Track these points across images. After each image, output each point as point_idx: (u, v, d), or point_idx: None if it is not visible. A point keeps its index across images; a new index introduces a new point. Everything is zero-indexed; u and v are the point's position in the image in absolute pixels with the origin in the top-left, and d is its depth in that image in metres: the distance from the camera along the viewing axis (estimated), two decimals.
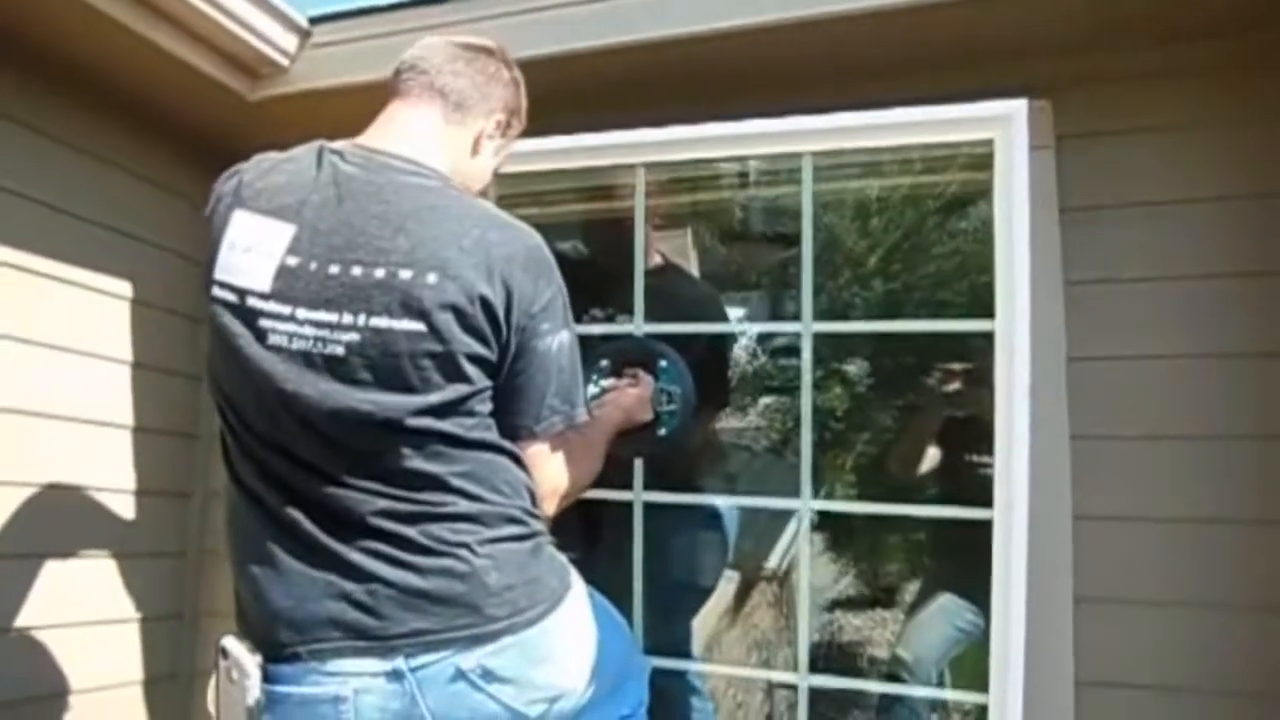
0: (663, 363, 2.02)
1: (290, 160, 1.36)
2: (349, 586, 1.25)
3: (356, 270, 1.26)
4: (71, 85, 2.25)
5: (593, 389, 1.99)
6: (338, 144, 1.39)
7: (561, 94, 1.86)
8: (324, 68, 2.30)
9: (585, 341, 1.94)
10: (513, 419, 1.37)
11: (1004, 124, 1.90)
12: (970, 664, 2.64)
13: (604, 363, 2.02)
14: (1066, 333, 2.00)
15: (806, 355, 2.05)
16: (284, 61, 2.30)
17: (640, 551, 2.11)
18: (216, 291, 1.30)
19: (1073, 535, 1.95)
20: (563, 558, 1.44)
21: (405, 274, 1.25)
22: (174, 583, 2.56)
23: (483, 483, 1.31)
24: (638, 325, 2.13)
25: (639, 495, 2.14)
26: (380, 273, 1.25)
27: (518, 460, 1.38)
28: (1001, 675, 1.87)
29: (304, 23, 2.29)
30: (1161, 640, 1.91)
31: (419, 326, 1.24)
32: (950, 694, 2.96)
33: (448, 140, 1.45)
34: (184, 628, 2.58)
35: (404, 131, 1.42)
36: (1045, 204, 2.02)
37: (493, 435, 1.35)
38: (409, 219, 1.29)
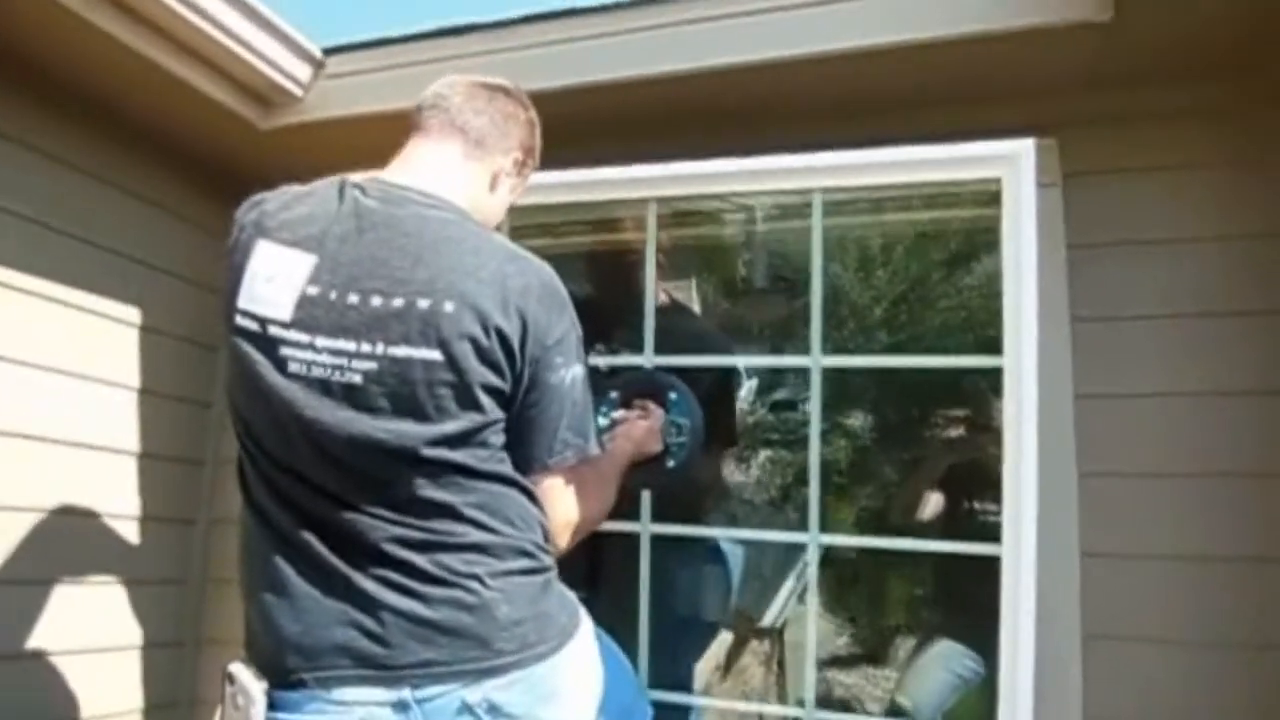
0: (672, 395, 2.03)
1: (312, 193, 1.38)
2: (359, 615, 1.25)
3: (376, 300, 1.27)
4: (84, 111, 2.27)
5: (602, 421, 1.99)
6: (358, 177, 1.40)
7: (572, 126, 1.89)
8: (337, 98, 2.32)
9: (594, 374, 1.93)
10: (526, 451, 1.37)
11: (1011, 163, 1.93)
12: (967, 713, 2.63)
13: (613, 395, 2.02)
14: (1073, 369, 2.01)
15: (816, 388, 2.07)
16: (297, 91, 2.32)
17: (647, 582, 2.12)
18: (239, 321, 1.31)
19: (1080, 572, 1.94)
20: (572, 595, 1.43)
21: (423, 303, 1.27)
22: (177, 610, 2.55)
23: (495, 514, 1.32)
24: (647, 358, 2.14)
25: (646, 527, 2.15)
26: (399, 302, 1.27)
27: (530, 495, 1.38)
28: (1010, 711, 1.86)
29: (318, 53, 2.32)
30: (1165, 677, 1.91)
31: (436, 355, 1.26)
32: None
33: (467, 176, 1.48)
34: (186, 656, 2.57)
35: (425, 167, 1.44)
36: (1052, 241, 2.05)
37: (506, 468, 1.35)
38: (427, 250, 1.31)
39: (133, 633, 2.42)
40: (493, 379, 1.29)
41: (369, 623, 1.25)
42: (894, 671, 3.09)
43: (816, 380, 2.07)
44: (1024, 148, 1.91)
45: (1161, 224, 2.05)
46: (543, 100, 1.65)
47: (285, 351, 1.28)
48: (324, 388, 1.27)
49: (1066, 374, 2.01)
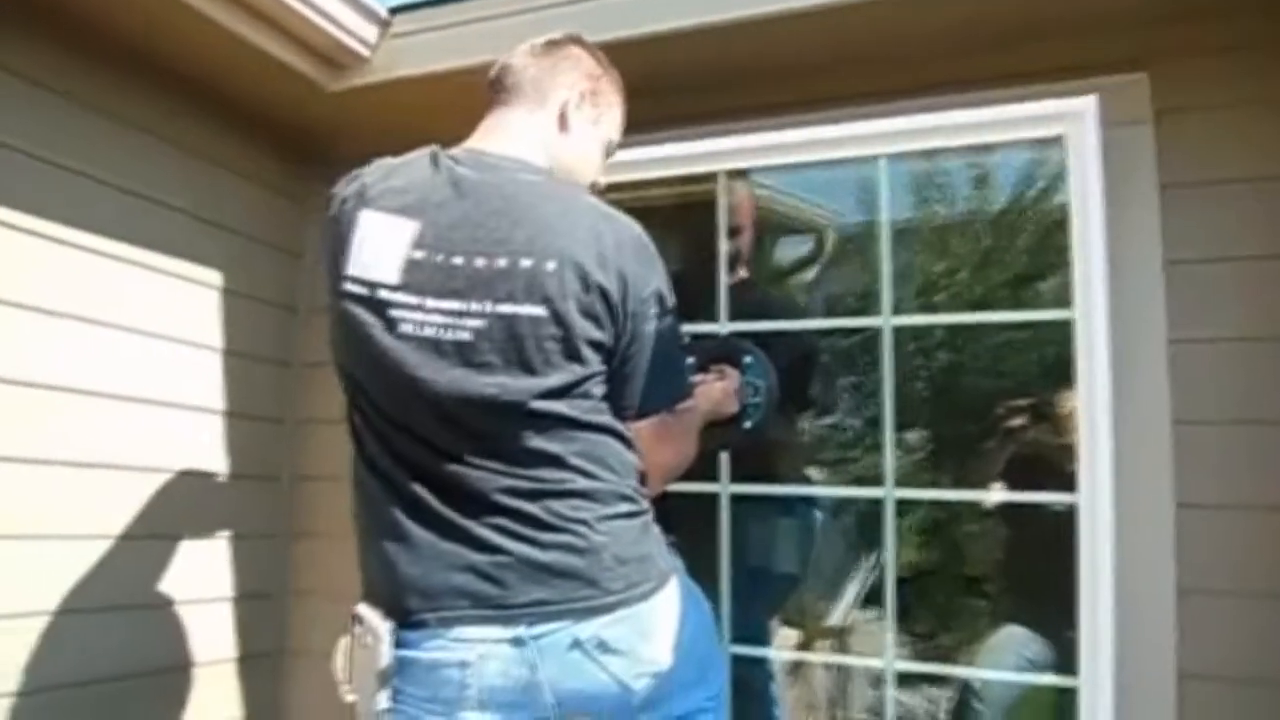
0: (747, 359, 2.10)
1: (408, 164, 1.47)
2: (476, 558, 1.33)
3: (480, 261, 1.36)
4: (155, 76, 2.32)
5: None
6: (449, 150, 1.49)
7: (636, 80, 1.87)
8: (404, 57, 2.33)
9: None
10: (623, 399, 1.45)
11: (1075, 120, 1.94)
12: (1036, 699, 2.62)
13: (690, 360, 2.08)
14: (1167, 314, 1.93)
15: (888, 347, 2.13)
16: (364, 52, 2.33)
17: (727, 541, 2.18)
18: (347, 286, 1.39)
19: (1175, 524, 1.88)
20: (664, 539, 1.49)
21: (526, 262, 1.35)
22: (265, 563, 2.63)
23: (598, 462, 1.39)
24: (722, 324, 2.24)
25: (725, 488, 2.21)
26: (503, 262, 1.35)
27: (628, 442, 1.45)
28: (1092, 659, 1.85)
29: (384, 13, 2.33)
30: (1265, 632, 1.84)
31: (541, 311, 1.34)
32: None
33: (536, 129, 1.54)
34: (275, 607, 2.67)
35: (502, 133, 1.52)
36: (1142, 182, 1.98)
37: (607, 418, 1.42)
38: (524, 211, 1.39)
39: (225, 585, 2.53)
40: (595, 333, 1.37)
41: (485, 565, 1.33)
42: (953, 690, 3.12)
43: (888, 339, 2.12)
44: (1086, 105, 1.93)
45: (1262, 160, 1.94)
46: (608, 52, 1.66)
47: (395, 313, 1.36)
48: (435, 347, 1.35)
49: (1159, 319, 1.94)
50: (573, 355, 1.36)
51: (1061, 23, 1.96)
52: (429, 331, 1.35)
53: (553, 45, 1.60)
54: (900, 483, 2.13)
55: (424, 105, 2.26)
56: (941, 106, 2.12)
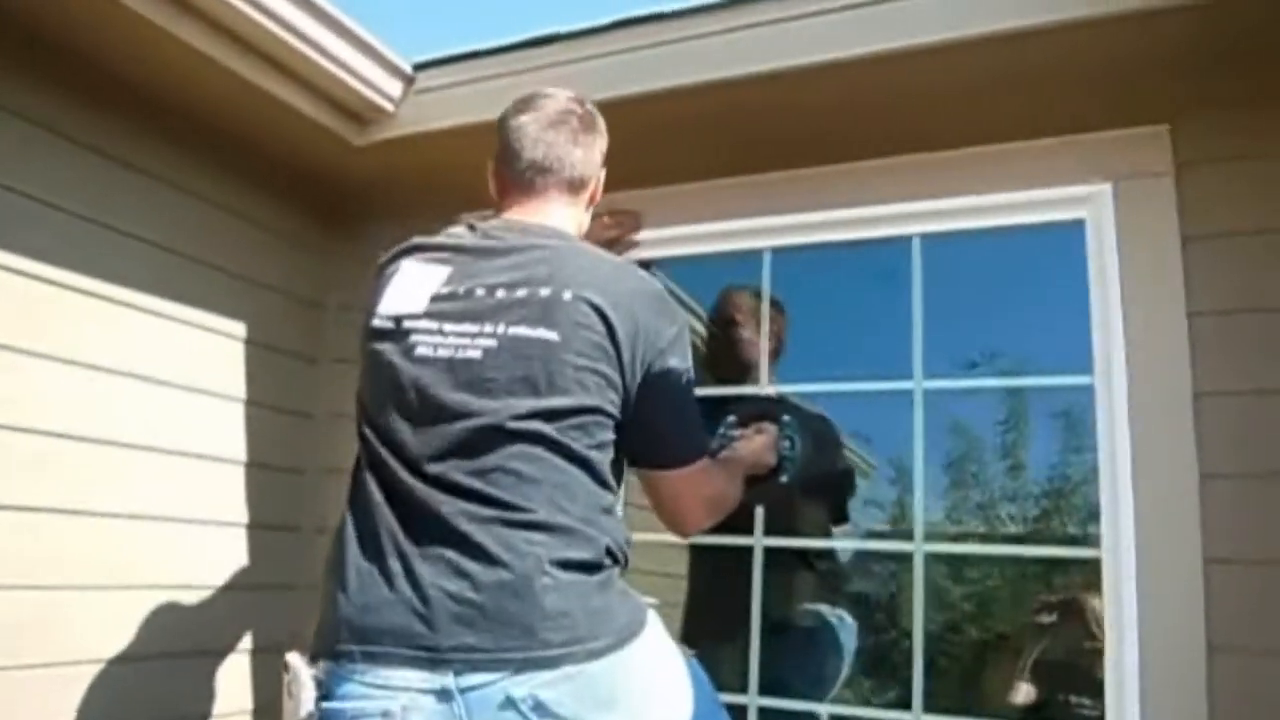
0: (785, 417, 2.22)
1: (445, 229, 1.63)
2: (410, 593, 1.31)
3: (501, 292, 1.45)
4: (180, 130, 2.39)
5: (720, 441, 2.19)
6: (488, 220, 1.63)
7: (652, 133, 1.93)
8: (428, 112, 2.40)
9: (714, 401, 2.27)
10: (645, 452, 1.51)
11: (1092, 203, 2.10)
12: None
13: (731, 418, 2.23)
14: (1192, 367, 1.95)
15: (918, 412, 2.23)
16: (389, 107, 2.40)
17: (760, 595, 2.30)
18: (375, 323, 1.49)
19: (1204, 579, 1.87)
20: (641, 600, 1.45)
21: (544, 291, 1.44)
22: (283, 616, 2.65)
23: (573, 499, 1.38)
24: (762, 387, 2.42)
25: (759, 540, 2.33)
26: (522, 292, 1.44)
27: (609, 489, 1.46)
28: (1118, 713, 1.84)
29: (408, 68, 2.40)
30: None
31: (553, 335, 1.40)
32: None
33: (574, 211, 1.69)
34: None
35: (537, 212, 1.63)
36: (1164, 234, 2.02)
37: (601, 464, 1.44)
38: (549, 254, 1.50)
39: (241, 637, 2.55)
40: (604, 367, 1.42)
41: (418, 601, 1.30)
42: None
43: (919, 404, 2.22)
44: (1102, 192, 2.08)
45: None
46: (630, 104, 1.72)
47: (415, 339, 1.45)
48: (449, 366, 1.42)
49: (1184, 372, 1.96)
50: (579, 383, 1.40)
51: (1082, 75, 2.00)
52: (443, 353, 1.42)
53: (576, 122, 1.67)
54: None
55: (448, 159, 2.32)
56: (963, 161, 2.22)
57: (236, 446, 2.56)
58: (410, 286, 1.49)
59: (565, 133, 1.65)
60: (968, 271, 2.52)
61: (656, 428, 1.49)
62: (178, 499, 2.38)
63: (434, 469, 1.38)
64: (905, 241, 2.31)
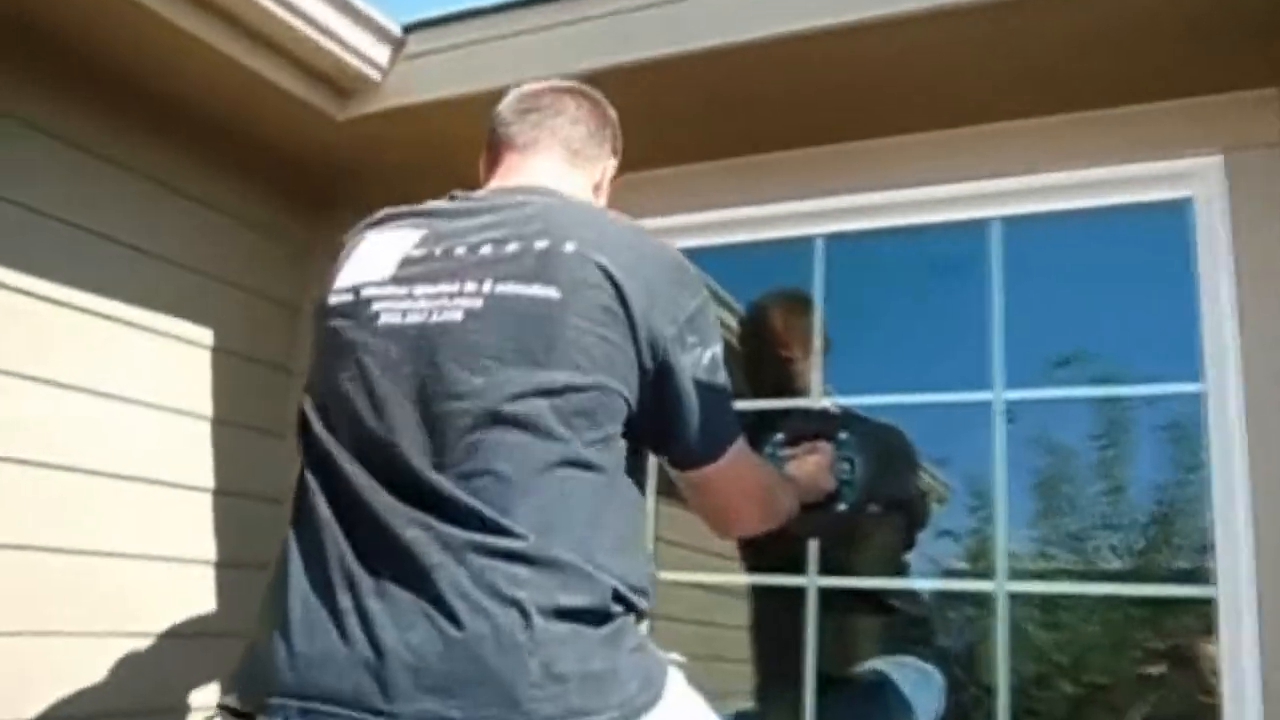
0: (843, 434, 2.15)
1: (419, 203, 1.57)
2: (361, 642, 1.21)
3: (486, 249, 1.37)
4: (137, 106, 2.41)
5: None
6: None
7: (677, 103, 1.90)
8: (420, 80, 2.41)
9: (758, 416, 2.25)
10: (666, 444, 1.46)
11: (1201, 179, 2.08)
12: None
13: (779, 436, 2.18)
14: None
15: (999, 426, 2.23)
16: (375, 75, 2.41)
17: (814, 645, 2.26)
18: (331, 300, 1.42)
19: None
20: (661, 656, 1.37)
21: (541, 243, 1.35)
22: None
23: (571, 520, 1.28)
24: (815, 398, 2.36)
25: (813, 580, 2.30)
26: (513, 246, 1.36)
27: (631, 508, 1.39)
28: None
29: (397, 31, 2.42)
30: None
31: (551, 293, 1.31)
32: None
33: (573, 184, 1.61)
34: None
35: (527, 174, 1.58)
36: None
37: (609, 468, 1.34)
38: (542, 209, 1.43)
39: (207, 685, 2.55)
40: (613, 334, 1.32)
41: (372, 655, 1.20)
42: None
43: (1000, 417, 2.22)
44: (1211, 165, 2.07)
45: None
46: (642, 71, 1.70)
47: (378, 307, 1.36)
48: (420, 333, 1.32)
49: None
50: (585, 351, 1.30)
51: (1184, 27, 1.97)
52: (414, 318, 1.33)
53: (583, 100, 1.67)
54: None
55: (443, 135, 2.33)
56: (1049, 131, 2.22)
57: (202, 471, 2.58)
58: (374, 254, 1.43)
59: (555, 103, 1.65)
60: (1055, 261, 2.50)
61: (682, 416, 1.40)
62: (134, 532, 2.39)
63: (400, 474, 1.28)
64: (982, 226, 2.30)
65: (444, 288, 1.34)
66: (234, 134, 2.58)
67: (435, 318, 1.32)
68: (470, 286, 1.33)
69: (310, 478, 1.36)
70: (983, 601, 2.38)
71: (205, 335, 2.60)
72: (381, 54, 2.41)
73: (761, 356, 2.62)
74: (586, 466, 1.30)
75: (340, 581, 1.26)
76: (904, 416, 2.48)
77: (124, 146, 2.41)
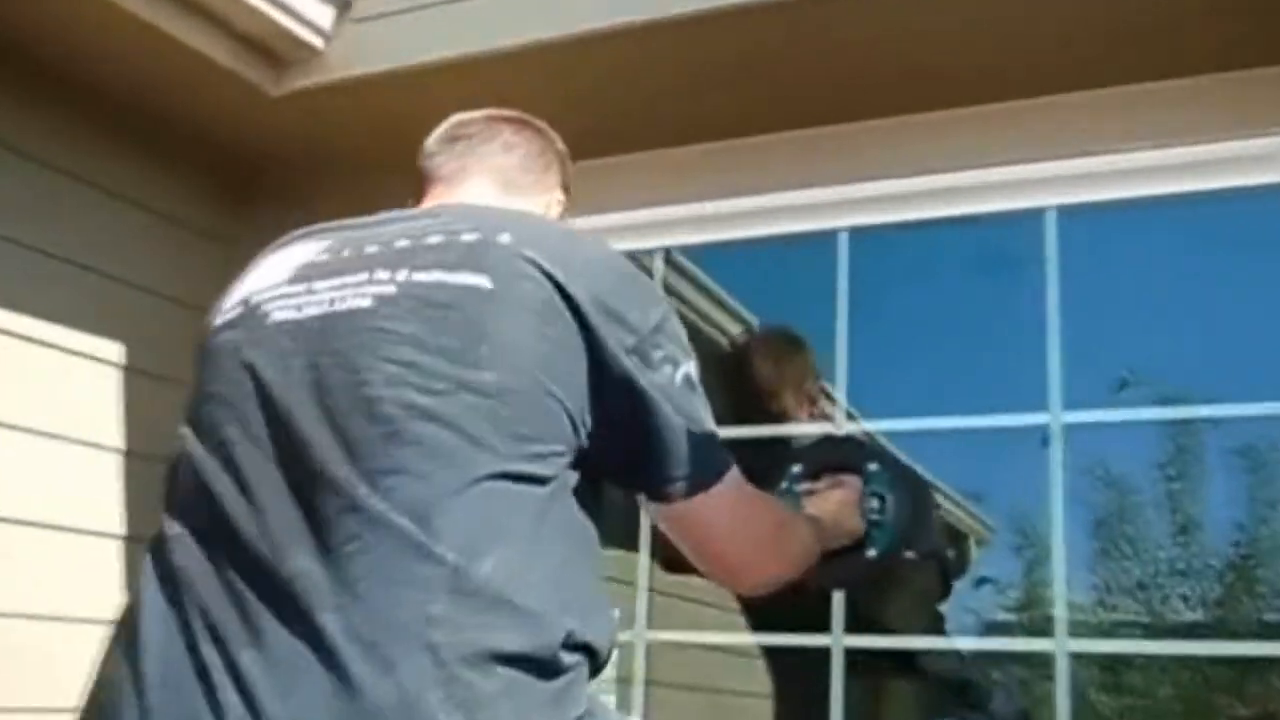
0: (872, 466, 2.09)
1: None
2: (237, 710, 1.11)
3: (402, 242, 1.35)
4: (44, 87, 2.36)
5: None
6: None
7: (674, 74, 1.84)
8: (369, 48, 2.36)
9: (771, 444, 2.25)
10: (655, 469, 1.37)
11: None
12: None
13: (796, 468, 2.12)
14: None
15: (1057, 461, 2.18)
16: (317, 42, 2.36)
17: (841, 708, 2.22)
18: (215, 321, 1.40)
19: None
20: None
21: (470, 236, 1.32)
22: None
23: (508, 543, 1.19)
24: (840, 423, 2.33)
25: (838, 640, 2.26)
26: (436, 238, 1.33)
27: (585, 545, 1.31)
28: None
29: None
30: None
31: (481, 281, 1.27)
32: None
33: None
34: None
35: (455, 195, 1.57)
36: None
37: (550, 482, 1.24)
38: (473, 210, 1.46)
39: None
40: (552, 331, 1.26)
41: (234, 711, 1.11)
42: None
43: (1057, 443, 2.18)
44: None
45: None
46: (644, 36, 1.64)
47: (270, 307, 1.33)
48: (321, 324, 1.28)
49: None
50: (519, 349, 1.23)
51: None
52: (313, 310, 1.29)
53: (521, 127, 1.67)
54: None
55: (396, 114, 2.25)
56: (1114, 104, 2.15)
57: (110, 514, 2.50)
58: (269, 268, 1.41)
59: (485, 130, 1.64)
60: (1119, 259, 2.44)
61: (657, 438, 1.34)
62: (28, 589, 2.32)
63: (282, 487, 1.21)
64: (1035, 217, 2.25)
65: (350, 279, 1.31)
66: (151, 115, 2.53)
67: (338, 306, 1.29)
68: (382, 274, 1.30)
69: (174, 503, 1.30)
70: (1035, 661, 2.33)
71: (116, 351, 2.53)
72: (324, 16, 2.35)
73: (747, 405, 2.57)
74: (523, 479, 1.21)
75: (202, 632, 1.17)
76: (937, 444, 2.46)
77: (21, 132, 2.37)
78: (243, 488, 1.23)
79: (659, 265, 2.57)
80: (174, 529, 1.26)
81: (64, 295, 2.42)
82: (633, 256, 2.49)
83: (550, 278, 1.27)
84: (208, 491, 1.25)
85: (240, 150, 2.68)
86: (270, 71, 2.40)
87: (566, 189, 1.70)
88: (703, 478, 1.40)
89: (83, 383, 2.46)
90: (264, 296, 1.34)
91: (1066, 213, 2.23)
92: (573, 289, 1.27)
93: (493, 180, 1.59)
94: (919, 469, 2.36)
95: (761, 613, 2.49)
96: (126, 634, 1.23)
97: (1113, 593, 3.47)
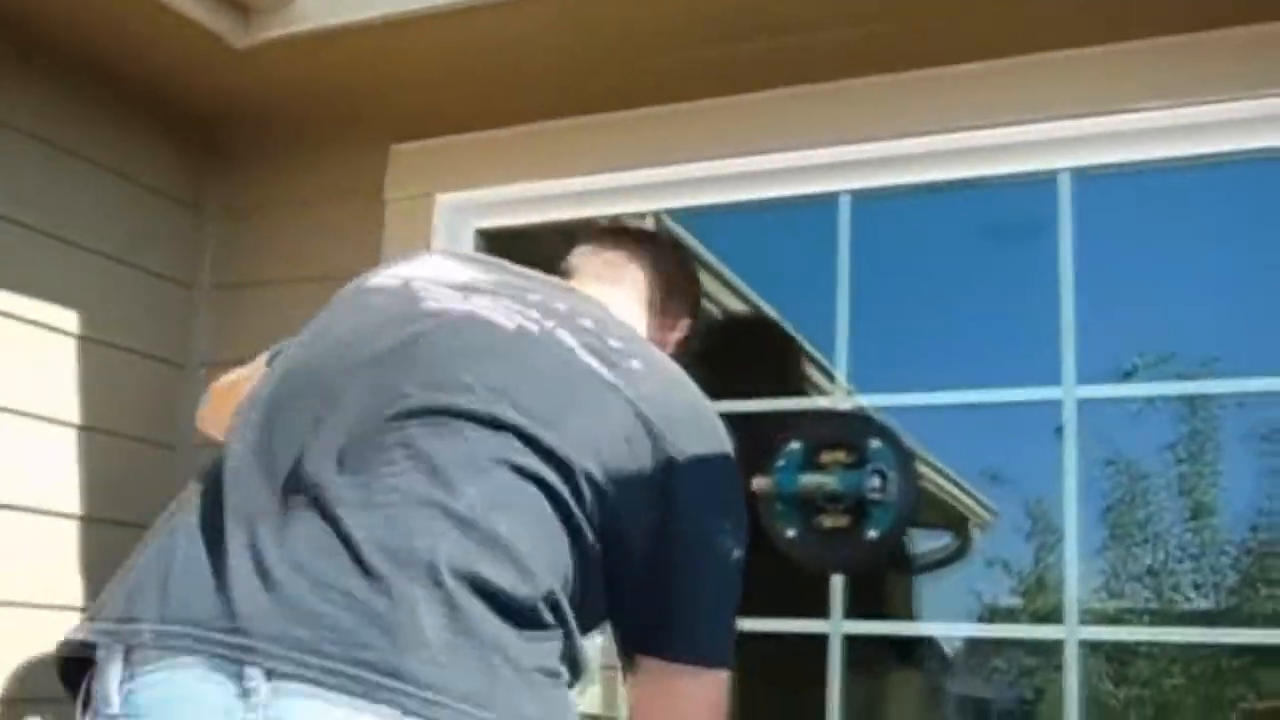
0: (874, 443, 2.16)
1: None
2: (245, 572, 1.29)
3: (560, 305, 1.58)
4: None
5: (766, 482, 2.18)
6: None
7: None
8: None
9: (767, 419, 2.30)
10: (658, 626, 1.46)
11: None
12: None
13: (794, 445, 2.19)
14: None
15: (1070, 440, 2.18)
16: None
17: (839, 696, 2.23)
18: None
19: None
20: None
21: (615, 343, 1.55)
22: None
23: (521, 521, 1.34)
24: (840, 394, 2.34)
25: (837, 626, 2.25)
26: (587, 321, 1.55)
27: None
28: None
29: None
30: None
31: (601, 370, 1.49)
32: None
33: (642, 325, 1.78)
34: None
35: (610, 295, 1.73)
36: None
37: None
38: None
39: None
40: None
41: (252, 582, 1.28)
42: None
43: (1071, 421, 2.18)
44: None
45: None
46: None
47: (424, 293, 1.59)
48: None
49: None
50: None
51: None
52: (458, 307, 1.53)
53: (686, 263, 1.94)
54: None
55: (376, 69, 2.28)
56: (1131, 59, 2.12)
57: (66, 493, 2.47)
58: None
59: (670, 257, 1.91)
60: (1135, 225, 2.44)
61: (661, 575, 1.45)
62: None
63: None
64: (1048, 181, 2.23)
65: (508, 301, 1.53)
66: (107, 69, 2.49)
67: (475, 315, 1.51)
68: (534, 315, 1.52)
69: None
70: (1045, 650, 2.31)
71: (70, 320, 2.49)
72: None
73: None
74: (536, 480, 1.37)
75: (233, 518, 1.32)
76: (941, 420, 2.48)
77: None
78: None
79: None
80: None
81: (15, 261, 2.38)
82: (620, 220, 2.47)
83: (641, 415, 1.44)
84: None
85: (203, 108, 2.64)
86: (236, 20, 2.34)
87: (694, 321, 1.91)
88: (713, 653, 1.48)
89: (37, 354, 2.43)
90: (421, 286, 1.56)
91: (1081, 175, 2.21)
92: (664, 428, 1.46)
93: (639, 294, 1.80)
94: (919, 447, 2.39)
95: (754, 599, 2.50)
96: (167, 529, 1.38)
97: (1120, 580, 3.45)
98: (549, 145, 2.46)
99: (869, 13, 2.16)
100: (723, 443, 1.54)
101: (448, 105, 2.44)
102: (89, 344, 2.51)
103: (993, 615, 3.23)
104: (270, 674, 1.16)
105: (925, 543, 3.52)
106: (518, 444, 1.34)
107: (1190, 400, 3.04)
